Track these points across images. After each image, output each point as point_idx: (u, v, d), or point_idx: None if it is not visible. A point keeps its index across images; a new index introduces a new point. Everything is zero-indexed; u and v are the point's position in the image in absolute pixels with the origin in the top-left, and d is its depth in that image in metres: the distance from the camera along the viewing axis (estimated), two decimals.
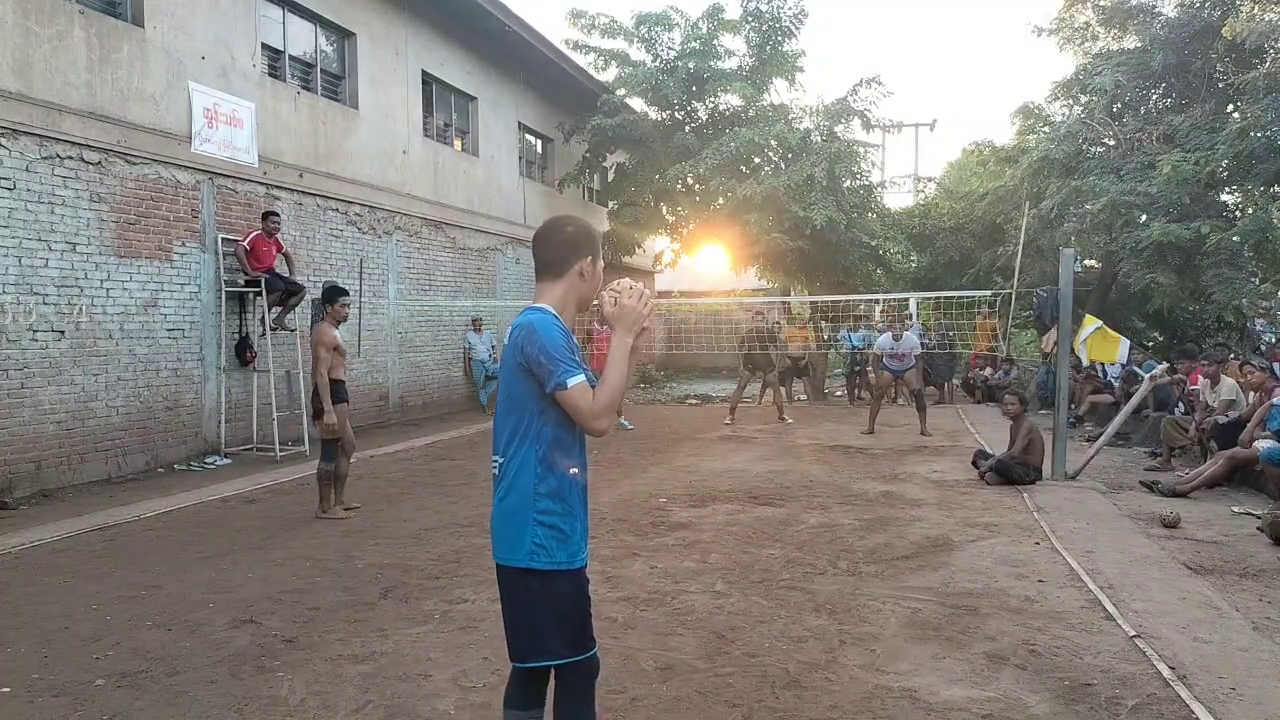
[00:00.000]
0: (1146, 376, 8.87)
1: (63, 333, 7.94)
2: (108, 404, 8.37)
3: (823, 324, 16.14)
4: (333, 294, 6.69)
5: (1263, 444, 7.17)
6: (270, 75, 10.63)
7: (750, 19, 17.83)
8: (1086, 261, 17.13)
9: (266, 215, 9.75)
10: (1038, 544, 5.73)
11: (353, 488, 7.12)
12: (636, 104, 18.21)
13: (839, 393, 16.50)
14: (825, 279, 18.69)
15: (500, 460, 2.32)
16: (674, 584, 4.86)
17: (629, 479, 8.24)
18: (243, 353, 9.93)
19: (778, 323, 15.31)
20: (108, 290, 8.38)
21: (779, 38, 17.82)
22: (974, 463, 8.29)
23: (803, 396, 16.74)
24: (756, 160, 18.17)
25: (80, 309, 8.10)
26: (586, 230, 2.42)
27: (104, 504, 7.20)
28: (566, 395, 2.19)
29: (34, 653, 3.92)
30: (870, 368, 13.39)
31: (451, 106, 14.91)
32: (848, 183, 17.78)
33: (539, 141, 18.42)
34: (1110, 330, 8.69)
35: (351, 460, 6.86)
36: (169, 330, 9.07)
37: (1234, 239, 12.52)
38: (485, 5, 13.56)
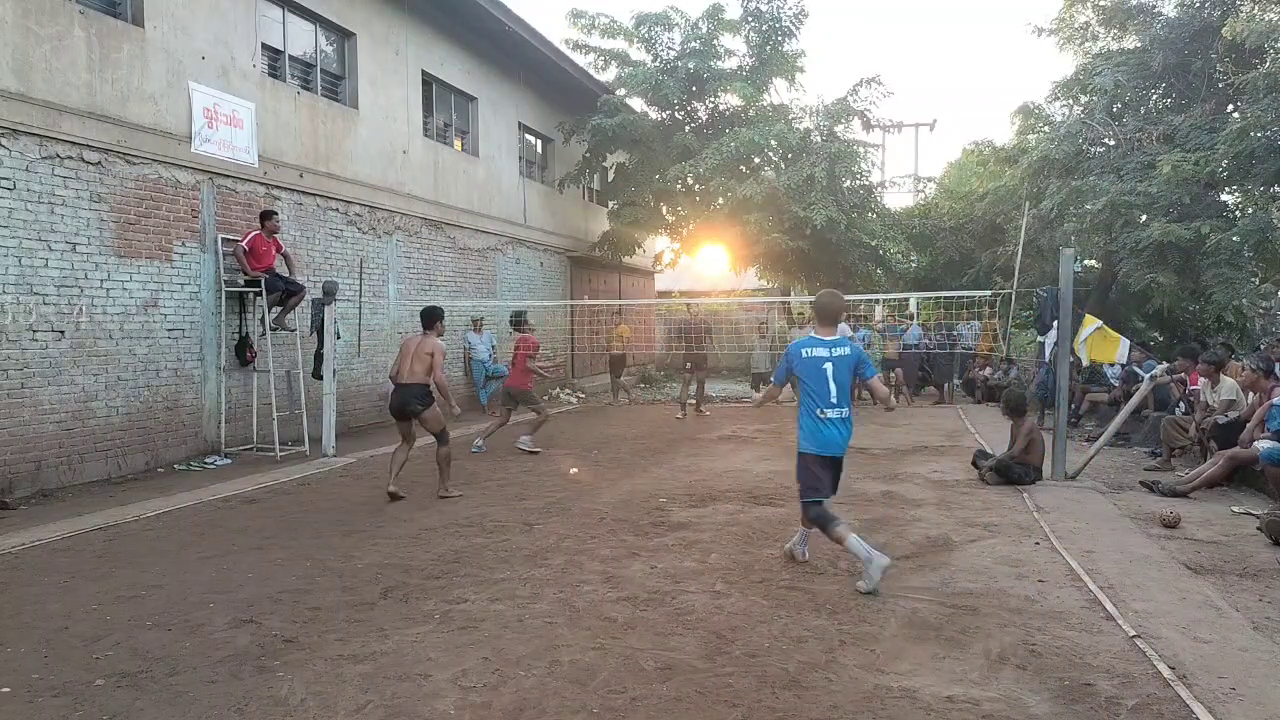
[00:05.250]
0: (1147, 376, 8.87)
1: (63, 333, 7.94)
2: (108, 404, 8.38)
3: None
4: (438, 313, 7.41)
5: (1263, 444, 7.16)
6: (270, 75, 10.63)
7: (750, 19, 17.84)
8: (1086, 261, 17.13)
9: (266, 215, 9.76)
10: (1038, 544, 5.73)
11: (353, 487, 7.14)
12: (636, 104, 18.20)
13: None
14: (825, 279, 18.67)
15: (844, 410, 5.03)
16: (674, 584, 4.86)
17: (629, 479, 8.24)
18: (243, 353, 9.93)
19: (704, 323, 14.72)
20: (108, 290, 8.38)
21: (779, 38, 17.83)
22: (974, 463, 8.28)
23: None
24: (756, 160, 18.17)
25: (80, 309, 8.11)
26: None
27: (104, 504, 7.20)
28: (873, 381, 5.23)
29: (34, 653, 3.92)
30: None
31: (451, 106, 14.91)
32: (848, 183, 17.77)
33: (539, 141, 18.41)
34: (1110, 330, 8.69)
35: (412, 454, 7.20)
36: (169, 330, 9.07)
37: (1234, 239, 12.52)
38: (485, 5, 13.56)
